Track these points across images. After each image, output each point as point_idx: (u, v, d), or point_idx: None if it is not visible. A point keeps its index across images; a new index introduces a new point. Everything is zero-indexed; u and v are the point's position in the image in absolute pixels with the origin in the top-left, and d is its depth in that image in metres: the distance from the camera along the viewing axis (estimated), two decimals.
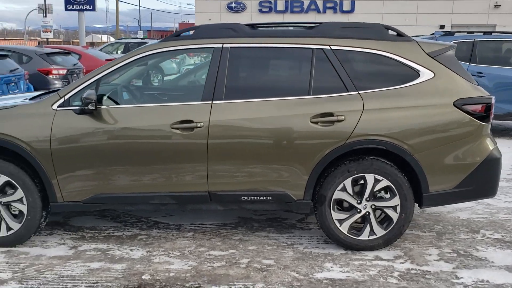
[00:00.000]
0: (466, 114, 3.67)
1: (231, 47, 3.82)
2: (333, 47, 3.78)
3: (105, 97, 3.88)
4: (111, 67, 3.83)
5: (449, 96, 3.68)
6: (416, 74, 3.73)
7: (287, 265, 3.60)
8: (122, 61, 3.85)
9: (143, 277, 3.43)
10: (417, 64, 3.75)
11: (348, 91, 3.71)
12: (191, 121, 3.68)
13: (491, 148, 3.73)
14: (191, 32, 3.94)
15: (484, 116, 3.69)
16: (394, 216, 3.76)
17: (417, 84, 3.71)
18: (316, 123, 3.65)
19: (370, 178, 3.71)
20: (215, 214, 4.61)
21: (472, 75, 8.43)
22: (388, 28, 3.89)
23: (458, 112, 3.66)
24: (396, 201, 3.73)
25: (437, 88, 3.71)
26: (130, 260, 3.69)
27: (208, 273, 3.49)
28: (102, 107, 3.73)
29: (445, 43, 3.93)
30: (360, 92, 3.70)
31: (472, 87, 3.73)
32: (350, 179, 3.71)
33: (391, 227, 3.78)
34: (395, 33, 3.90)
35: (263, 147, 3.70)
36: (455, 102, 3.66)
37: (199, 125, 3.66)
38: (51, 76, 10.94)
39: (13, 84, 8.63)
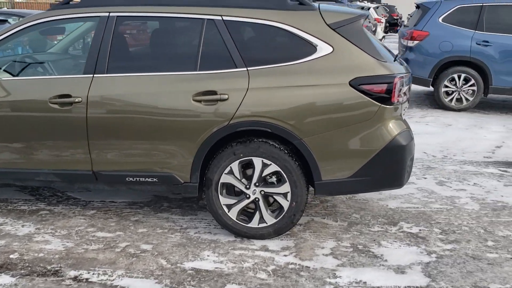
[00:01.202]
0: (363, 95, 3.24)
1: (117, 16, 3.55)
2: (225, 18, 3.43)
3: None
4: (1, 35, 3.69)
5: (345, 74, 3.26)
6: (313, 48, 3.32)
7: (163, 251, 3.41)
8: (9, 31, 3.69)
9: (11, 256, 3.35)
10: (314, 37, 3.33)
11: (236, 67, 3.37)
12: (69, 96, 3.49)
13: (394, 133, 3.30)
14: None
15: (385, 97, 3.25)
16: (285, 204, 3.46)
17: (312, 61, 3.31)
18: (199, 101, 3.36)
19: (257, 162, 3.40)
20: (131, 192, 4.46)
21: (477, 44, 7.91)
22: None
23: (354, 92, 3.24)
24: (286, 187, 3.41)
25: (333, 65, 3.29)
26: (13, 236, 3.63)
27: (77, 255, 3.36)
28: None
29: (354, 12, 3.47)
30: (249, 68, 3.35)
31: (377, 64, 3.28)
32: (237, 162, 3.42)
33: (282, 215, 3.48)
34: (296, 1, 3.47)
35: (144, 125, 3.46)
36: (351, 81, 3.24)
37: (77, 99, 3.47)
38: None
39: None
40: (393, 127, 3.31)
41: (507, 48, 7.83)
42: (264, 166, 3.40)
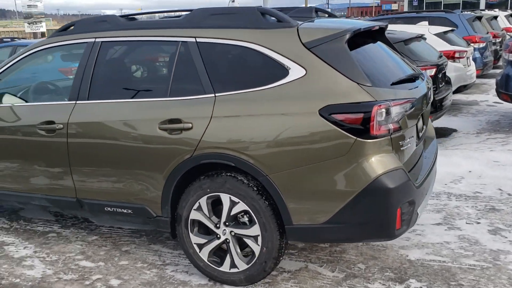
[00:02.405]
0: (335, 126, 2.70)
1: (102, 41, 3.49)
2: (198, 40, 3.15)
3: None
4: (6, 64, 3.87)
5: (316, 101, 2.75)
6: (285, 71, 2.88)
7: None
8: (14, 59, 3.85)
9: None
10: (287, 58, 2.88)
11: (205, 93, 3.06)
12: (52, 122, 3.50)
13: (376, 173, 2.69)
14: (72, 27, 3.72)
15: (361, 129, 2.67)
16: (256, 248, 3.03)
17: (282, 85, 2.86)
18: (165, 130, 3.11)
19: (225, 198, 3.04)
20: None
21: None
22: (265, 13, 3.07)
23: (325, 122, 2.72)
24: (256, 230, 2.99)
25: (305, 91, 2.81)
26: (8, 258, 3.73)
27: (46, 285, 3.31)
28: None
29: (339, 28, 2.93)
30: (216, 94, 3.02)
31: (356, 89, 2.71)
32: (205, 198, 3.10)
33: (253, 261, 3.06)
34: (274, 19, 3.05)
35: (117, 154, 3.32)
36: (322, 109, 2.72)
37: (58, 126, 3.46)
38: None
39: None
40: (376, 165, 2.70)
41: None
42: (233, 203, 3.02)
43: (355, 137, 2.67)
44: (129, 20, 3.52)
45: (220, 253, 3.19)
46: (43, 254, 3.78)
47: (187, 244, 3.23)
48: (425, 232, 3.82)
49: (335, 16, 3.90)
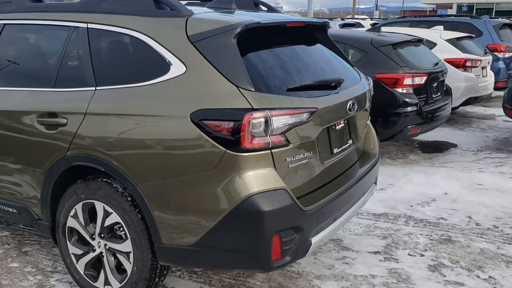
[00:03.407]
0: (205, 135, 2.30)
1: (5, 24, 3.20)
2: (89, 26, 2.81)
3: None
4: None
5: (189, 104, 2.36)
6: (167, 67, 2.49)
7: None
8: None
9: None
10: (170, 52, 2.50)
11: (86, 86, 2.73)
12: None
13: (247, 192, 2.26)
14: None
15: (232, 140, 2.26)
16: (128, 266, 2.67)
17: (160, 83, 2.48)
18: (43, 124, 2.80)
19: (99, 207, 2.69)
20: None
21: None
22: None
23: (194, 129, 2.32)
24: (128, 246, 2.63)
25: (181, 91, 2.42)
26: None
27: None
28: None
29: (230, 20, 2.51)
30: (97, 88, 2.68)
31: (234, 92, 2.29)
32: (80, 204, 2.76)
33: (125, 281, 2.70)
34: (168, 6, 2.66)
35: (0, 146, 3.03)
36: (193, 113, 2.32)
37: None
38: None
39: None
40: (247, 183, 2.27)
41: None
42: (106, 213, 2.67)
43: (225, 149, 2.26)
44: (35, 2, 3.21)
45: (98, 266, 2.85)
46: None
47: (65, 253, 2.91)
48: (356, 260, 3.35)
49: (275, 11, 3.46)
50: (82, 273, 2.85)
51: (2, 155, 3.03)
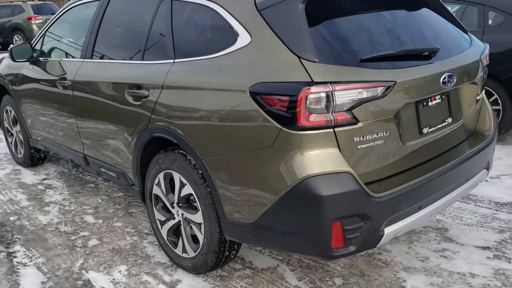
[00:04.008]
0: (262, 110, 2.17)
1: None
2: None
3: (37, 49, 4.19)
4: (49, 23, 4.11)
5: (250, 77, 2.24)
6: (234, 38, 2.40)
7: (95, 251, 3.20)
8: (53, 18, 4.05)
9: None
10: (238, 22, 2.39)
11: (167, 59, 2.77)
12: (64, 78, 3.60)
13: (304, 174, 2.08)
14: None
15: (287, 117, 2.09)
16: (200, 237, 2.71)
17: (227, 55, 2.39)
18: (131, 95, 2.93)
19: (176, 177, 2.76)
20: None
21: None
22: None
23: (253, 104, 2.20)
24: (199, 217, 2.66)
25: (244, 62, 2.31)
26: (40, 202, 4.07)
27: (41, 232, 3.52)
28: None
29: None
30: (175, 60, 2.71)
31: (293, 64, 2.11)
32: (162, 173, 2.86)
33: (198, 251, 2.75)
34: None
35: (100, 113, 3.28)
36: (252, 87, 2.20)
37: (67, 83, 3.55)
38: None
39: None
40: (305, 164, 2.10)
41: None
42: (182, 184, 2.73)
43: (281, 126, 2.11)
44: None
45: (178, 234, 2.94)
46: (67, 202, 4.01)
47: (151, 218, 3.06)
48: (457, 255, 2.95)
49: None
50: (166, 238, 2.97)
51: (103, 123, 3.26)
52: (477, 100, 2.88)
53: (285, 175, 2.13)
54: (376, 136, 2.20)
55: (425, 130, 2.45)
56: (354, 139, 2.15)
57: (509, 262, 2.85)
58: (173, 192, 2.85)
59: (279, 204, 2.19)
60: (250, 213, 2.34)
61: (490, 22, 5.18)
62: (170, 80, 2.64)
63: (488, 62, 2.90)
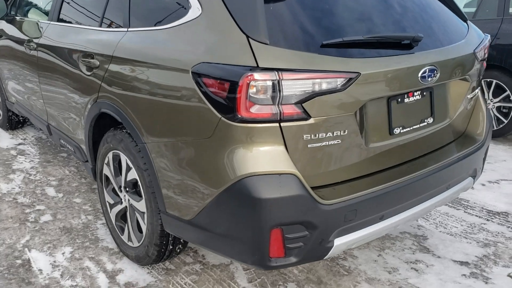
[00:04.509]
0: (202, 95, 1.88)
1: None
2: None
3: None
4: None
5: (194, 55, 1.94)
6: (186, 9, 2.10)
7: (42, 228, 3.01)
8: None
9: None
10: None
11: (121, 27, 2.50)
12: (32, 40, 3.37)
13: (239, 173, 1.81)
14: None
15: (227, 106, 1.80)
16: (143, 226, 2.48)
17: (174, 28, 2.11)
18: (85, 65, 2.68)
19: (123, 159, 2.51)
20: None
21: None
22: None
23: (193, 87, 1.92)
24: (143, 205, 2.42)
25: (189, 38, 2.01)
26: (8, 167, 3.89)
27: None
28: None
29: None
30: (129, 29, 2.43)
31: (240, 45, 1.80)
32: (111, 153, 2.62)
33: (141, 242, 2.52)
34: None
35: (59, 83, 3.05)
36: (194, 67, 1.91)
37: (33, 45, 3.32)
38: None
39: None
40: (243, 161, 1.82)
41: None
42: (128, 167, 2.48)
43: (220, 116, 1.82)
44: None
45: (125, 220, 2.72)
46: (34, 171, 3.83)
47: (102, 199, 2.84)
48: (430, 269, 2.66)
49: None
50: (114, 222, 2.76)
51: (61, 91, 3.03)
52: (470, 99, 2.54)
53: (223, 172, 1.86)
54: (331, 135, 1.90)
55: (396, 131, 2.13)
56: (304, 136, 1.85)
57: (486, 283, 2.55)
58: (121, 174, 2.61)
59: (216, 203, 1.93)
60: (188, 209, 2.08)
61: (511, 10, 4.73)
62: (119, 50, 2.37)
63: (486, 56, 2.54)
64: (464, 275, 2.61)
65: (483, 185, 3.78)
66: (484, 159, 2.70)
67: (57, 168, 3.90)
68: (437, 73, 2.13)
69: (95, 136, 2.76)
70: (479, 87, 2.63)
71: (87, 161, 2.96)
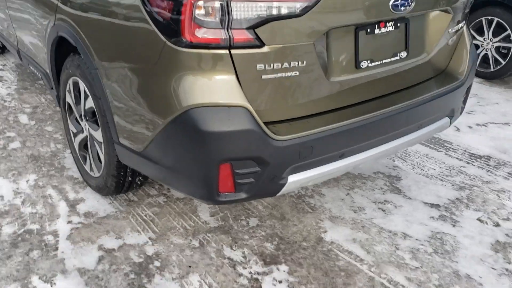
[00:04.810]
0: (147, 16, 1.74)
1: None
2: None
3: None
4: None
5: None
6: None
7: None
8: None
9: None
10: None
11: None
12: None
13: (185, 104, 1.70)
14: None
15: (172, 28, 1.66)
16: (101, 156, 2.41)
17: None
18: None
19: (82, 86, 2.40)
20: None
21: None
22: None
23: (140, 5, 1.77)
24: (100, 135, 2.34)
25: None
26: None
27: None
28: None
29: None
30: None
31: None
32: (71, 80, 2.51)
33: (100, 172, 2.46)
34: None
35: (21, 7, 2.90)
36: None
37: None
38: None
39: None
40: (190, 90, 1.70)
41: None
42: (86, 95, 2.38)
43: (165, 40, 1.69)
44: None
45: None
46: (9, 98, 3.78)
47: (66, 128, 2.76)
48: (398, 210, 2.60)
49: None
50: (77, 152, 2.69)
51: (25, 13, 2.88)
52: (453, 34, 2.36)
53: (170, 101, 1.75)
54: (287, 66, 1.77)
55: (363, 64, 1.99)
56: (258, 66, 1.72)
57: (453, 226, 2.49)
58: (81, 102, 2.51)
59: (164, 134, 1.84)
60: (138, 140, 2.00)
61: None
62: None
63: None
64: (433, 217, 2.56)
65: (470, 127, 3.66)
66: (465, 100, 2.56)
67: (33, 96, 3.80)
68: (411, 2, 1.96)
69: (59, 63, 2.63)
70: (465, 22, 2.44)
71: (52, 88, 2.85)
